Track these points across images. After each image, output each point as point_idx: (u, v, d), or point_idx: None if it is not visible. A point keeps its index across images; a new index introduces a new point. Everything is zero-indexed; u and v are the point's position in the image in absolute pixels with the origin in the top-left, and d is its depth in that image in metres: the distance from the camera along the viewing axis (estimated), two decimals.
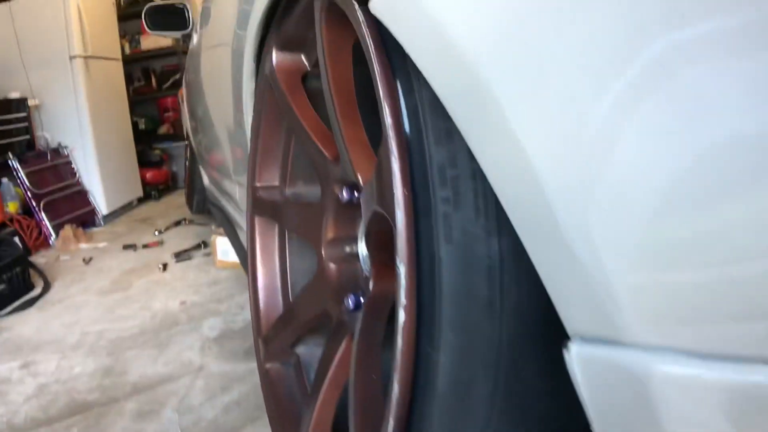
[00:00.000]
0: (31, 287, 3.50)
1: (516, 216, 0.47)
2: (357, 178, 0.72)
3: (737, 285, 0.38)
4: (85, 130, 4.87)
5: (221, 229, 3.46)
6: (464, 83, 0.46)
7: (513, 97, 0.44)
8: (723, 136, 0.36)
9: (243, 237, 2.37)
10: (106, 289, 3.41)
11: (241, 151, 1.46)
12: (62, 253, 4.26)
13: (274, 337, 1.10)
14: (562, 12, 0.40)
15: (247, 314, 2.79)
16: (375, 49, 0.58)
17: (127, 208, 5.50)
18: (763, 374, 0.39)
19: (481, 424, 0.52)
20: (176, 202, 5.84)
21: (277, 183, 1.10)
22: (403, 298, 0.53)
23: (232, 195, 2.18)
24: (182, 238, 4.42)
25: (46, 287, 3.49)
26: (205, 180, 3.64)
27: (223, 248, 3.47)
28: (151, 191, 6.00)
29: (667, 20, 0.36)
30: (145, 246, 4.26)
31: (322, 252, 0.91)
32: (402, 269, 0.52)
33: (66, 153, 4.90)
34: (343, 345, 0.82)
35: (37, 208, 4.43)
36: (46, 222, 4.45)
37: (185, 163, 4.69)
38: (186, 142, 4.57)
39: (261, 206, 1.13)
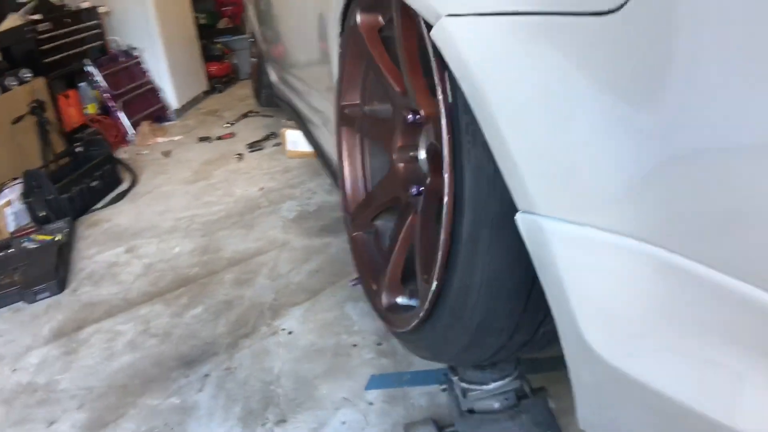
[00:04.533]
0: (120, 181, 3.84)
1: (493, 147, 0.84)
2: (419, 109, 1.10)
3: (583, 180, 0.73)
4: (152, 31, 5.14)
5: (290, 122, 3.78)
6: (471, 88, 0.82)
7: (493, 101, 0.79)
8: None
9: (314, 130, 2.73)
10: (189, 179, 3.77)
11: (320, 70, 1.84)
12: (141, 148, 4.61)
13: (359, 215, 1.51)
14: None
15: (318, 198, 3.15)
16: (433, 54, 0.93)
17: (194, 102, 5.78)
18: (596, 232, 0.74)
19: (484, 259, 0.93)
20: (239, 94, 6.11)
21: (358, 102, 1.46)
22: (447, 189, 0.92)
23: (307, 96, 2.54)
24: (252, 129, 4.71)
25: (134, 180, 3.84)
26: (273, 77, 3.94)
27: (292, 139, 3.76)
28: (216, 84, 6.27)
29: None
30: (219, 138, 4.58)
31: (393, 155, 1.29)
32: (446, 176, 0.90)
33: (136, 54, 5.21)
34: (410, 218, 1.21)
35: (115, 108, 4.77)
36: (124, 120, 4.79)
37: (251, 60, 4.95)
38: (251, 39, 4.81)
39: (346, 119, 1.50)
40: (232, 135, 4.61)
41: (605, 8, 0.64)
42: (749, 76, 0.55)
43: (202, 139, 4.60)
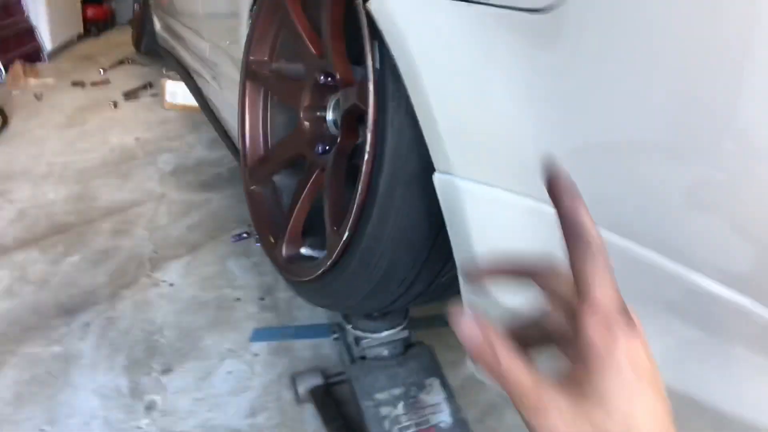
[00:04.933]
0: None
1: (419, 113, 0.91)
2: (335, 73, 1.17)
3: (496, 149, 0.82)
4: None
5: (170, 73, 3.70)
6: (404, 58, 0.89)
7: (424, 73, 0.86)
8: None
9: (201, 83, 2.70)
10: (63, 124, 3.63)
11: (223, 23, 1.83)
12: (13, 89, 4.37)
13: (257, 169, 1.53)
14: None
15: (197, 152, 3.12)
16: (367, 25, 0.99)
17: (68, 44, 5.55)
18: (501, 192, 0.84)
19: (396, 213, 1.00)
20: (116, 40, 5.90)
21: (266, 58, 1.48)
22: (368, 148, 0.98)
23: (199, 49, 2.51)
24: (127, 77, 4.58)
25: (5, 121, 3.63)
26: (157, 26, 3.83)
27: (172, 90, 3.70)
28: (91, 27, 6.03)
29: None
30: (93, 84, 4.43)
31: (300, 113, 1.32)
32: (369, 135, 0.96)
33: None
34: (314, 175, 1.26)
35: None
36: None
37: (134, 6, 4.76)
38: None
39: (252, 75, 1.51)
40: (107, 82, 4.47)
41: (538, 7, 0.71)
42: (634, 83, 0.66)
43: (76, 84, 4.44)
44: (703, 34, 0.59)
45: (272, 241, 1.41)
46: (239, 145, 1.57)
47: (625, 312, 0.44)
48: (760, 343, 0.68)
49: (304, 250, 1.31)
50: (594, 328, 0.43)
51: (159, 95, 3.90)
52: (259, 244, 2.16)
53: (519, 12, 0.73)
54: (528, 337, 0.51)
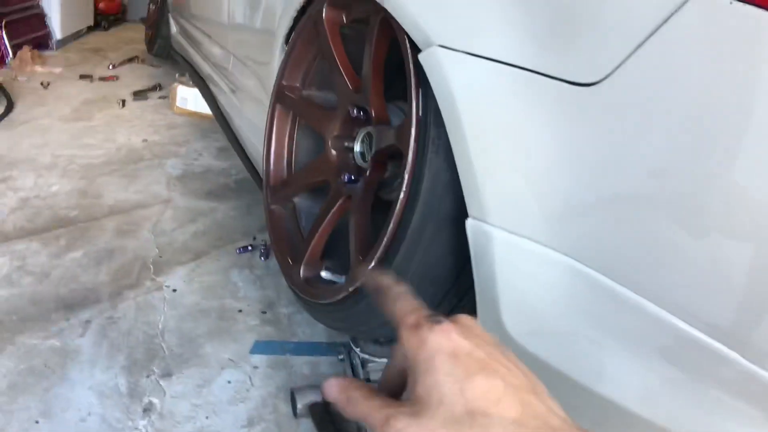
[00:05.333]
0: None
1: (458, 160, 0.97)
2: (370, 109, 1.23)
3: (529, 203, 0.89)
4: None
5: (183, 78, 3.73)
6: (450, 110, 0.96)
7: (467, 126, 0.93)
8: None
9: (217, 93, 2.74)
10: (69, 117, 3.64)
11: (256, 43, 1.89)
12: (19, 74, 4.37)
13: (279, 189, 1.58)
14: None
15: (205, 160, 3.14)
16: (413, 72, 1.06)
17: (77, 35, 5.55)
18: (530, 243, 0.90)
19: (424, 249, 1.06)
20: (126, 36, 5.91)
21: (298, 84, 1.54)
22: (404, 187, 1.04)
23: (219, 59, 2.56)
24: (136, 76, 4.59)
25: (10, 106, 3.63)
26: (173, 29, 3.87)
27: (183, 96, 3.72)
28: (102, 21, 6.04)
29: None
30: (101, 78, 4.43)
31: (328, 142, 1.39)
32: (406, 176, 1.02)
33: None
34: (339, 202, 1.32)
35: None
36: (5, 41, 4.52)
37: (149, 5, 4.80)
38: None
39: (283, 98, 1.57)
40: (115, 78, 4.48)
41: (586, 81, 0.78)
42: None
43: (84, 77, 4.44)
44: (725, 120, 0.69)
45: (290, 261, 1.46)
46: (263, 164, 1.62)
47: (431, 316, 0.49)
48: (737, 389, 0.76)
49: (324, 274, 1.36)
50: (406, 338, 0.49)
51: (168, 98, 3.91)
52: (263, 259, 2.20)
53: (565, 84, 0.80)
54: (396, 386, 0.54)
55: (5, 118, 3.49)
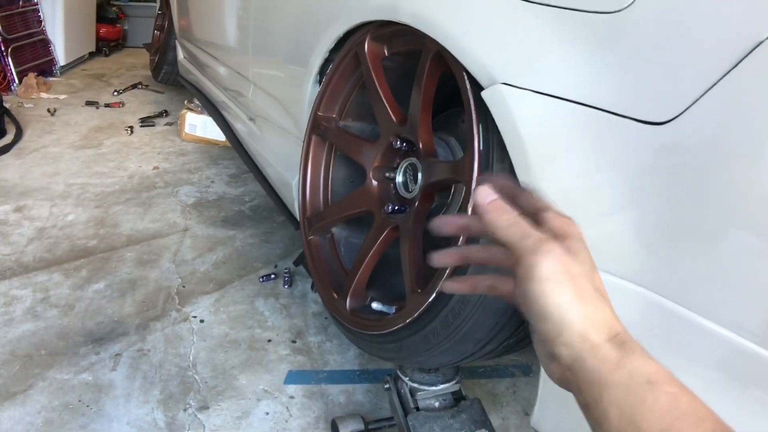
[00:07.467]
0: (5, 133, 3.64)
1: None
2: (417, 142, 1.26)
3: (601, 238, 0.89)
4: None
5: (192, 105, 3.74)
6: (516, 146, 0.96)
7: (534, 161, 0.94)
8: None
9: (232, 120, 2.74)
10: (78, 144, 3.64)
11: (284, 74, 1.90)
12: (25, 100, 4.39)
13: (317, 219, 1.58)
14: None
15: (217, 188, 3.14)
16: (474, 106, 1.06)
17: (80, 61, 5.58)
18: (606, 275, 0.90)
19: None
20: (126, 62, 5.92)
21: (335, 115, 1.54)
22: None
23: (236, 86, 2.56)
24: (141, 102, 4.61)
25: (19, 134, 3.63)
26: (180, 55, 3.87)
27: (192, 122, 3.72)
28: (103, 47, 6.08)
29: None
30: (107, 105, 4.45)
31: (370, 173, 1.39)
32: (470, 208, 1.02)
33: (35, 0, 4.94)
34: (385, 233, 1.32)
35: (4, 53, 4.51)
36: (12, 68, 4.53)
37: (154, 32, 4.81)
38: (160, 12, 4.68)
39: (319, 129, 1.57)
40: (120, 104, 4.49)
41: (657, 120, 0.79)
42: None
43: (90, 103, 4.47)
44: None
45: (334, 293, 1.45)
46: (298, 196, 1.62)
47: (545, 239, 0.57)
48: None
49: (375, 305, 1.36)
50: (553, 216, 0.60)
51: (176, 125, 3.91)
52: (287, 287, 2.20)
53: (635, 122, 0.81)
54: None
55: (15, 146, 3.50)
